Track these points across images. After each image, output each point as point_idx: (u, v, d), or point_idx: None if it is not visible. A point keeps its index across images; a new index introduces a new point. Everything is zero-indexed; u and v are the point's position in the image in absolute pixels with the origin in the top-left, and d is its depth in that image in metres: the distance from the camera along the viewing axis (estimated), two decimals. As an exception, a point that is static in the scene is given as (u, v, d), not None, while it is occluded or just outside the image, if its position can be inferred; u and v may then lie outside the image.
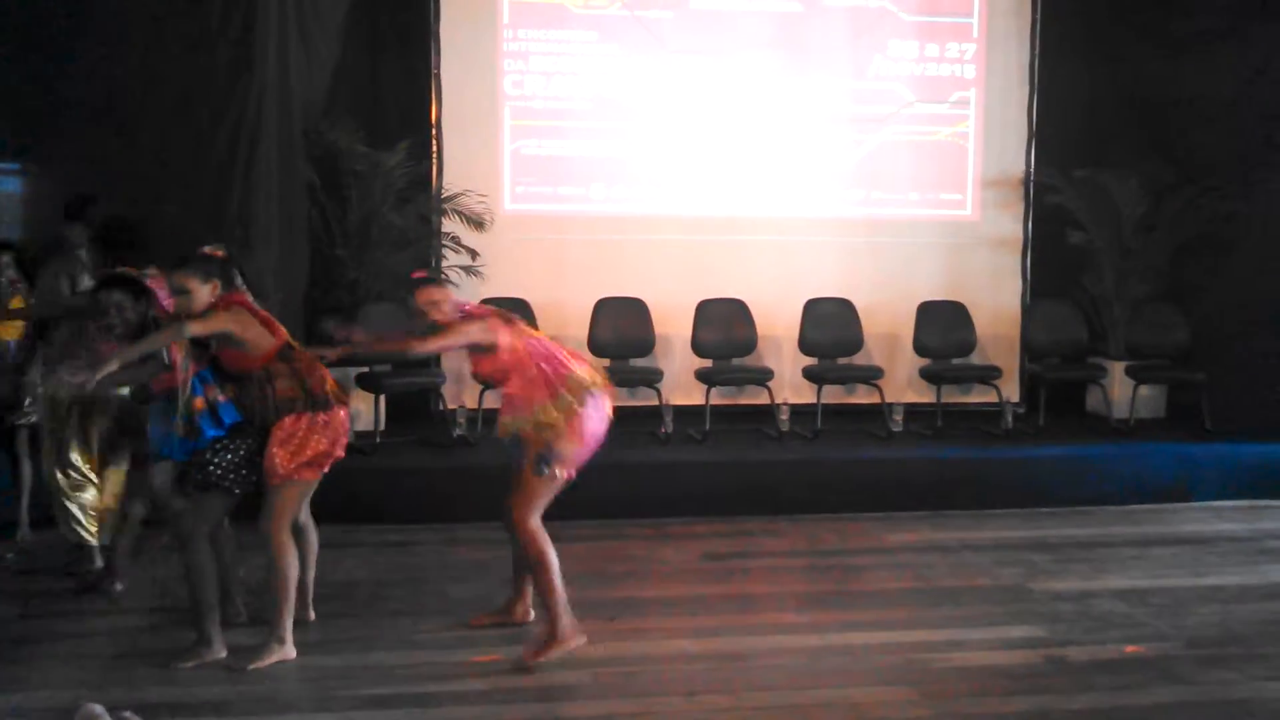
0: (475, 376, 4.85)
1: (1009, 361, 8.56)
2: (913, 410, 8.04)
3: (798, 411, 7.77)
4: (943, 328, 8.34)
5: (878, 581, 5.69)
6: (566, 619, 4.50)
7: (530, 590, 4.80)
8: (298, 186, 7.20)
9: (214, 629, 4.46)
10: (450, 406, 7.58)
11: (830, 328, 8.21)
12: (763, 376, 7.78)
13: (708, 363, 7.98)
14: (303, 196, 7.30)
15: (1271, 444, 7.40)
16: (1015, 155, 8.74)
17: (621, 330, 7.99)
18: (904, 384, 8.41)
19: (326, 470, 4.48)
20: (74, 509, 5.32)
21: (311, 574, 4.87)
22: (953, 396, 8.25)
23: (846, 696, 4.27)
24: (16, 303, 5.78)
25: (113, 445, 5.28)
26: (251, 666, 4.38)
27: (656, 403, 7.64)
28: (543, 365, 4.47)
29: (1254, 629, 5.04)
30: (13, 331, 5.79)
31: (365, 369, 7.23)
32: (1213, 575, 5.82)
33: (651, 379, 7.67)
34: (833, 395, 8.00)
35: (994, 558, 6.05)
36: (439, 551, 6.06)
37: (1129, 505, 7.10)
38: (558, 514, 4.59)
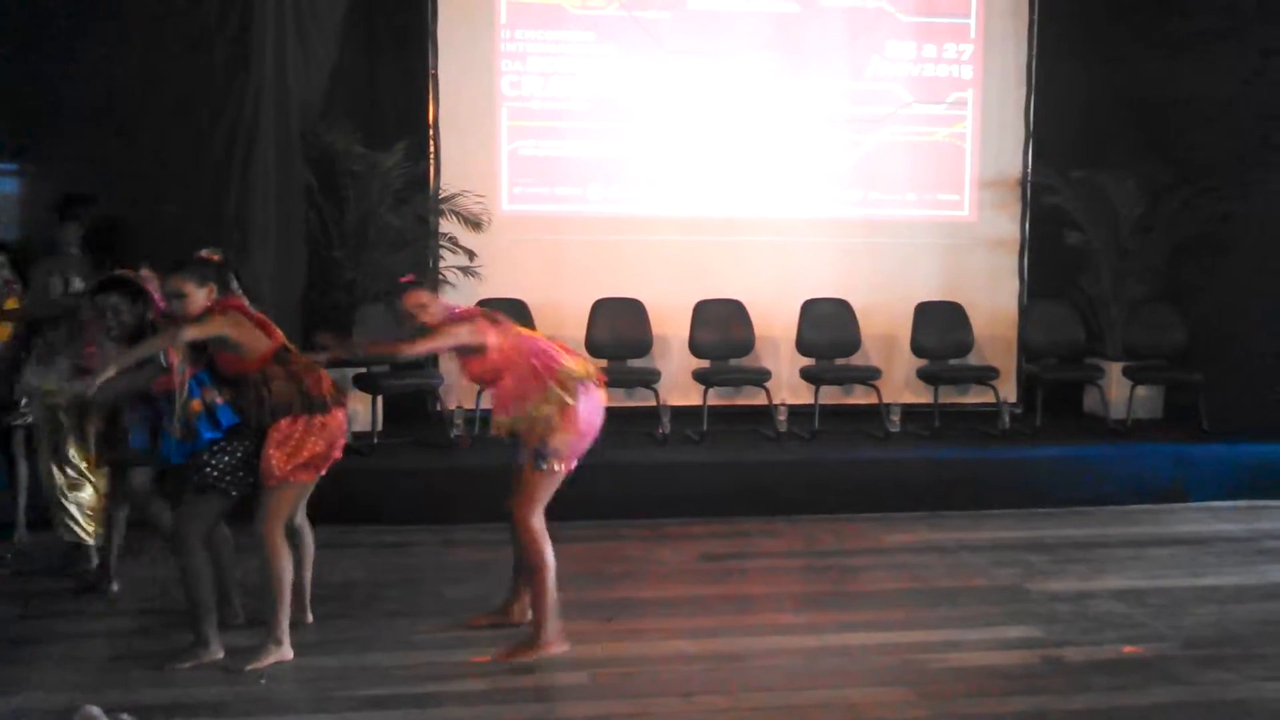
0: (468, 378, 4.83)
1: (1006, 362, 8.57)
2: (910, 411, 8.05)
3: (795, 412, 7.77)
4: (940, 328, 8.34)
5: (875, 582, 5.69)
6: (553, 624, 4.51)
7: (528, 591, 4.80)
8: (295, 187, 7.20)
9: (211, 630, 4.46)
10: (448, 407, 7.57)
11: (828, 328, 8.21)
12: (760, 377, 7.78)
13: (705, 363, 7.98)
14: (300, 197, 7.30)
15: (1268, 444, 7.41)
16: (1013, 156, 8.74)
17: (619, 331, 7.99)
18: (901, 384, 8.41)
19: (324, 473, 4.49)
20: (71, 507, 5.32)
21: (308, 576, 4.87)
22: (950, 397, 8.25)
23: (844, 697, 4.27)
24: (11, 303, 5.77)
25: (110, 444, 5.27)
26: (249, 668, 4.38)
27: (654, 403, 7.64)
28: (533, 361, 4.47)
29: (1251, 629, 5.04)
30: (6, 332, 5.79)
31: (363, 370, 7.23)
32: (1210, 575, 5.83)
33: (649, 379, 7.67)
34: (830, 396, 8.00)
35: (991, 558, 6.05)
36: (436, 552, 6.05)
37: (1126, 505, 7.10)
38: (555, 514, 4.59)
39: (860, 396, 8.10)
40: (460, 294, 7.90)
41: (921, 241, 8.61)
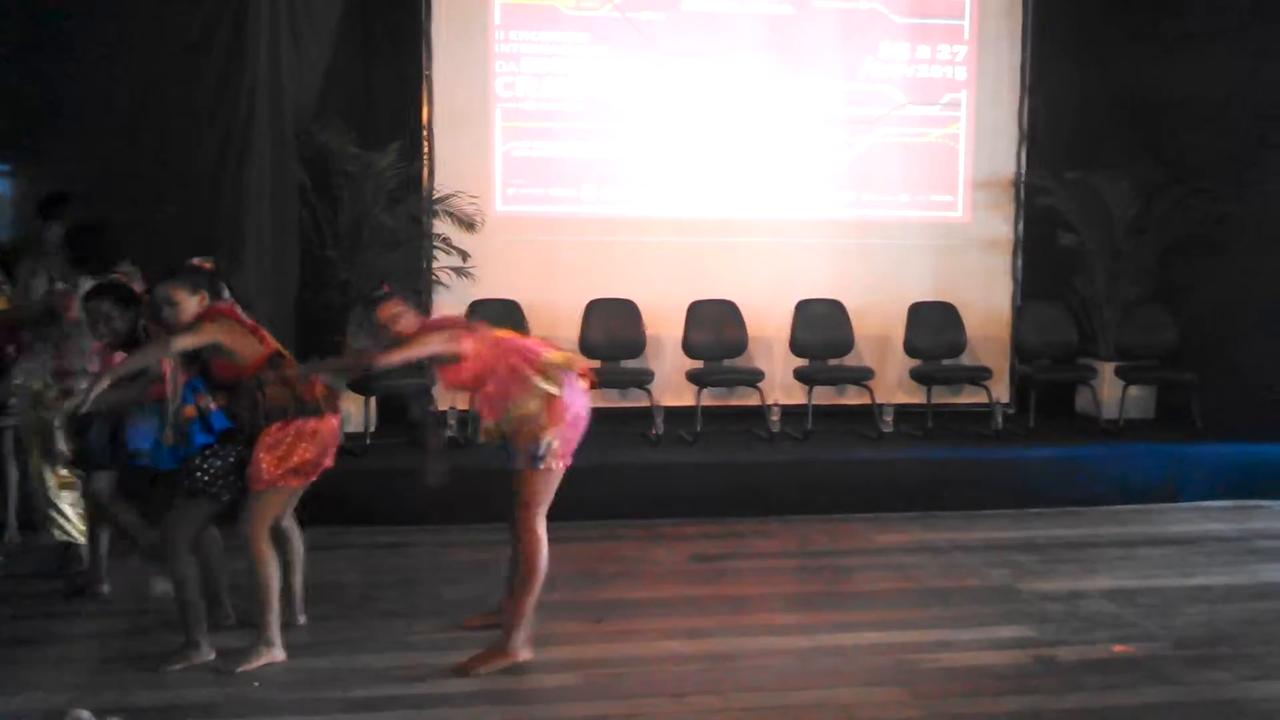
0: (445, 387, 4.78)
1: (999, 363, 8.58)
2: (903, 411, 8.07)
3: (788, 412, 7.79)
4: (933, 329, 8.36)
5: (868, 582, 5.70)
6: (524, 634, 4.49)
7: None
8: (289, 187, 7.19)
9: (201, 632, 4.46)
10: (441, 408, 7.57)
11: (821, 329, 8.22)
12: (753, 378, 7.78)
13: (699, 364, 7.99)
14: (294, 197, 7.29)
15: (1259, 444, 7.43)
16: (1006, 157, 8.75)
17: (613, 331, 7.99)
18: (894, 385, 8.42)
19: (314, 479, 4.49)
20: (63, 507, 5.31)
21: (299, 578, 4.86)
22: (943, 397, 8.26)
23: (837, 697, 4.28)
24: (1, 304, 5.75)
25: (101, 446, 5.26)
26: (240, 669, 4.38)
27: (647, 404, 7.65)
28: (512, 359, 4.43)
29: (1242, 629, 5.05)
30: None
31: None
32: (1201, 575, 5.84)
33: (642, 380, 7.67)
34: (823, 396, 8.01)
35: (984, 558, 6.06)
36: (432, 553, 6.05)
37: (1118, 506, 7.12)
38: (549, 514, 4.57)
39: (853, 397, 8.11)
40: (454, 295, 7.91)
41: (915, 242, 8.61)
